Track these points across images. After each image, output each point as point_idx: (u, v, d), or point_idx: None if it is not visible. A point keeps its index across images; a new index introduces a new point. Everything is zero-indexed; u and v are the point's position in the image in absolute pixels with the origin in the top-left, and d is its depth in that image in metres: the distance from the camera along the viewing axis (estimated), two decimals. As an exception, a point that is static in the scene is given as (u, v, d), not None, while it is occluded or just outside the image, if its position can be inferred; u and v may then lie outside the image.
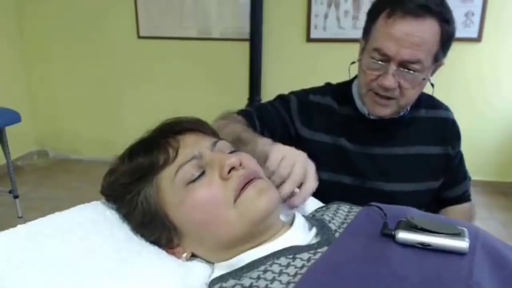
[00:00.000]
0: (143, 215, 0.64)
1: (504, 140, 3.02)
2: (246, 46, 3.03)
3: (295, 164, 0.70)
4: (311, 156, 1.04)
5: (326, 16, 2.95)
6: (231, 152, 0.68)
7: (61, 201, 2.62)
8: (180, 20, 3.15)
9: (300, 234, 0.66)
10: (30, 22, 3.37)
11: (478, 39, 2.82)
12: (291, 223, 0.69)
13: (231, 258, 0.64)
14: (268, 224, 0.64)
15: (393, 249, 0.57)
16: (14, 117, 2.37)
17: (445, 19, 0.88)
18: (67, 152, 3.62)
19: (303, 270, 0.55)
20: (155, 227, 0.64)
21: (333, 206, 0.77)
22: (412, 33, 0.86)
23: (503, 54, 2.86)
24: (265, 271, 0.57)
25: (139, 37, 3.24)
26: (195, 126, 0.71)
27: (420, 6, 0.86)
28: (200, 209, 0.61)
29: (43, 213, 0.63)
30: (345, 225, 0.67)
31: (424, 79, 0.92)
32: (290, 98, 1.07)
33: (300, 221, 0.69)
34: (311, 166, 0.73)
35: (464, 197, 1.13)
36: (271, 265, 0.58)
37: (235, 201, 0.61)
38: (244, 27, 3.04)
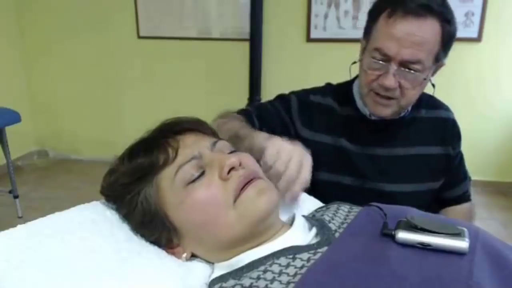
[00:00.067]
0: (143, 215, 0.64)
1: (504, 140, 3.02)
2: (246, 46, 3.03)
3: (290, 159, 0.70)
4: (311, 156, 1.04)
5: (326, 16, 2.95)
6: (231, 152, 0.68)
7: (61, 201, 2.62)
8: (180, 20, 3.15)
9: (300, 234, 0.66)
10: (30, 22, 3.37)
11: (478, 39, 2.82)
12: (291, 223, 0.69)
13: (231, 258, 0.64)
14: (268, 224, 0.64)
15: (393, 249, 0.57)
16: (14, 117, 2.37)
17: (446, 19, 0.88)
18: (67, 152, 3.62)
19: (303, 270, 0.55)
20: (155, 227, 0.64)
21: (333, 206, 0.77)
22: (413, 32, 0.86)
23: (503, 54, 2.86)
24: (265, 271, 0.57)
25: (139, 37, 3.24)
26: (195, 126, 0.71)
27: (421, 6, 0.86)
28: (200, 209, 0.61)
29: (43, 213, 0.63)
30: (345, 225, 0.67)
31: (425, 79, 0.91)
32: (291, 98, 1.07)
33: (300, 221, 0.69)
34: (306, 159, 0.73)
35: (464, 197, 1.13)
36: (271, 265, 0.58)
37: (234, 201, 0.61)
38: (244, 27, 3.04)
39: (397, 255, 0.56)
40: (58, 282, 0.53)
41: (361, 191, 1.01)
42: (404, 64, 0.88)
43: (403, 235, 0.58)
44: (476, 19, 2.78)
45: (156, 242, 0.66)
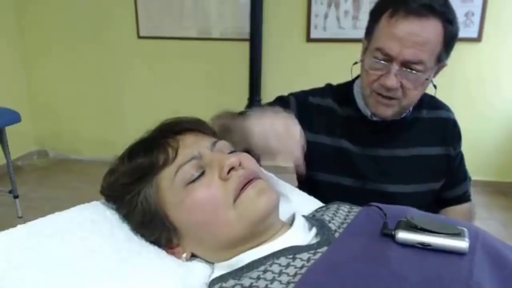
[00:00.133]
0: (143, 215, 0.64)
1: (504, 140, 3.02)
2: (246, 46, 3.03)
3: (279, 133, 0.70)
4: (311, 158, 1.04)
5: (326, 16, 2.95)
6: (231, 152, 0.68)
7: (61, 201, 2.62)
8: (180, 20, 3.15)
9: (300, 234, 0.66)
10: (30, 22, 3.37)
11: (478, 39, 2.82)
12: (291, 223, 0.69)
13: (231, 258, 0.64)
14: (268, 224, 0.64)
15: (393, 249, 0.57)
16: (14, 117, 2.37)
17: (448, 20, 0.88)
18: (67, 152, 3.62)
19: (303, 270, 0.55)
20: (155, 227, 0.64)
21: (333, 206, 0.77)
22: (415, 32, 0.86)
23: (503, 54, 2.86)
24: (265, 271, 0.57)
25: (139, 37, 3.24)
26: (195, 126, 0.71)
27: (424, 6, 0.86)
28: (200, 209, 0.61)
29: (43, 213, 0.63)
30: (345, 225, 0.67)
31: (426, 79, 0.91)
32: (289, 100, 1.06)
33: (300, 221, 0.69)
34: (291, 124, 0.73)
35: (464, 198, 1.13)
36: (271, 265, 0.58)
37: (234, 201, 0.61)
38: (244, 27, 3.04)
39: (397, 255, 0.56)
40: (58, 282, 0.53)
41: (361, 192, 1.01)
42: (406, 64, 0.88)
43: (403, 235, 0.58)
44: (476, 19, 2.78)
45: (156, 242, 0.66)
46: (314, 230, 0.67)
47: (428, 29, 0.86)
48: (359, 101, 1.03)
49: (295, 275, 0.55)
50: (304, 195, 0.92)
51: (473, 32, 2.80)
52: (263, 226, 0.63)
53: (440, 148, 1.04)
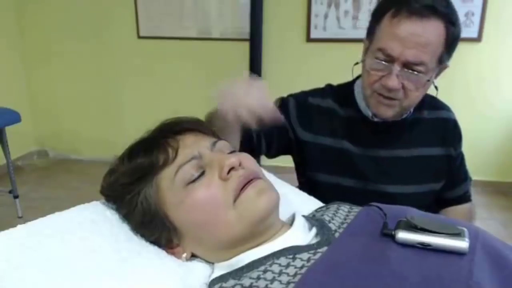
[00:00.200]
0: (143, 215, 0.64)
1: (504, 140, 3.02)
2: (246, 46, 3.03)
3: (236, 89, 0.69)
4: (311, 159, 1.04)
5: (326, 16, 2.95)
6: (231, 152, 0.68)
7: (61, 201, 2.62)
8: (180, 20, 3.15)
9: (300, 234, 0.66)
10: (30, 22, 3.37)
11: (478, 39, 2.82)
12: (291, 223, 0.69)
13: (231, 258, 0.64)
14: (268, 224, 0.64)
15: (393, 249, 0.57)
16: (14, 117, 2.37)
17: (451, 21, 0.87)
18: (67, 152, 3.62)
19: (303, 270, 0.55)
20: (155, 227, 0.64)
21: (333, 206, 0.77)
22: (417, 33, 0.85)
23: (503, 54, 2.86)
24: (265, 271, 0.57)
25: (139, 37, 3.24)
26: (195, 126, 0.71)
27: (426, 7, 0.85)
28: (200, 209, 0.61)
29: (43, 213, 0.63)
30: (345, 225, 0.67)
31: (428, 80, 0.91)
32: (289, 102, 1.06)
33: (300, 221, 0.69)
34: (255, 86, 0.70)
35: (465, 198, 1.13)
36: (271, 265, 0.58)
37: (234, 201, 0.61)
38: (244, 27, 3.04)
39: (397, 255, 0.56)
40: (58, 282, 0.53)
41: (362, 192, 1.00)
42: (407, 65, 0.88)
43: (403, 235, 0.58)
44: (476, 19, 2.78)
45: (156, 242, 0.66)
46: (314, 230, 0.67)
47: (430, 30, 0.86)
48: (360, 102, 1.02)
49: (295, 275, 0.55)
50: (304, 195, 0.92)
51: (473, 32, 2.80)
52: (263, 226, 0.63)
53: (440, 149, 1.04)
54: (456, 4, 0.90)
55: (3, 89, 3.20)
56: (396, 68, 0.88)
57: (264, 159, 1.11)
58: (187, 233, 0.65)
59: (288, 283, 0.54)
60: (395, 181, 1.02)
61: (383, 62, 0.89)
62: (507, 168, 3.06)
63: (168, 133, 0.68)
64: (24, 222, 0.60)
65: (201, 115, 0.75)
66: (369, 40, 0.95)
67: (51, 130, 3.61)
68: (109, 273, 0.57)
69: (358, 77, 1.06)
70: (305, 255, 0.59)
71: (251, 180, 0.63)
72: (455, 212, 1.11)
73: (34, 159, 3.60)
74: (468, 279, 0.52)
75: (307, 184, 1.06)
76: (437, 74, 0.95)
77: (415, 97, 0.93)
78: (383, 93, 0.92)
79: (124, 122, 3.41)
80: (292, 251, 0.60)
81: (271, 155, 1.06)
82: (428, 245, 0.57)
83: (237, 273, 0.60)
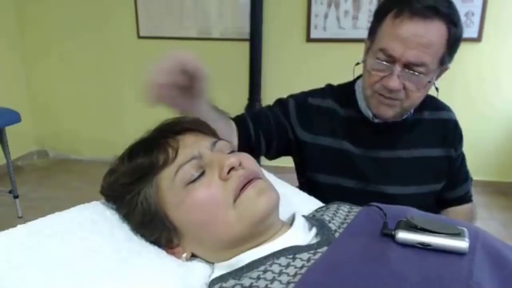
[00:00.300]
0: (143, 215, 0.64)
1: (504, 140, 3.02)
2: (246, 46, 3.03)
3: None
4: (312, 159, 1.04)
5: (326, 16, 2.95)
6: (231, 152, 0.68)
7: (61, 201, 2.62)
8: (180, 20, 3.16)
9: (300, 234, 0.66)
10: (30, 22, 3.37)
11: (478, 39, 2.82)
12: (291, 223, 0.69)
13: (231, 258, 0.64)
14: (268, 224, 0.64)
15: (393, 249, 0.57)
16: (14, 117, 2.37)
17: (453, 22, 0.87)
18: (67, 152, 3.62)
19: (303, 270, 0.55)
20: (155, 227, 0.64)
21: (333, 206, 0.77)
22: (419, 34, 0.85)
23: (503, 54, 2.86)
24: (265, 271, 0.57)
25: (139, 37, 3.24)
26: (195, 126, 0.71)
27: (429, 7, 0.85)
28: (200, 209, 0.61)
29: (43, 213, 0.63)
30: (345, 225, 0.67)
31: (429, 81, 0.90)
32: (288, 102, 1.05)
33: (300, 221, 0.69)
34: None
35: (466, 198, 1.13)
36: (271, 265, 0.58)
37: (234, 201, 0.61)
38: (244, 27, 3.04)
39: (397, 255, 0.56)
40: (58, 282, 0.53)
41: (363, 193, 1.00)
42: (409, 66, 0.88)
43: (403, 235, 0.58)
44: (476, 19, 2.78)
45: (156, 242, 0.66)
46: (314, 230, 0.67)
47: (432, 31, 0.86)
48: (360, 102, 1.02)
49: (295, 275, 0.55)
50: (304, 195, 0.92)
51: (473, 32, 2.81)
52: (263, 226, 0.63)
53: (441, 150, 1.04)
54: (456, 4, 0.90)
55: (3, 89, 3.20)
56: (397, 68, 0.88)
57: (264, 159, 1.11)
58: (187, 233, 0.65)
59: (288, 283, 0.54)
60: (396, 182, 1.02)
61: (384, 63, 0.89)
62: (507, 168, 3.06)
63: (168, 133, 0.68)
64: (24, 222, 0.60)
65: (201, 115, 0.75)
66: (370, 40, 0.95)
67: (51, 130, 3.61)
68: (109, 273, 0.57)
69: (358, 77, 1.05)
70: (305, 255, 0.59)
71: (251, 180, 0.63)
72: (456, 212, 1.11)
73: (34, 159, 3.60)
74: (468, 279, 0.52)
75: (307, 185, 1.06)
76: (438, 76, 0.95)
77: (416, 97, 0.93)
78: (384, 93, 0.92)
79: (124, 122, 3.41)
80: (292, 251, 0.60)
81: (271, 155, 1.05)
82: (428, 245, 0.57)
83: (237, 273, 0.60)
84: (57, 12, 3.30)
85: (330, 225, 0.68)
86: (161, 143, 0.65)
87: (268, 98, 3.01)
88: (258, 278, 0.56)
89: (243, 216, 0.61)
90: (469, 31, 2.79)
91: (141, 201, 0.64)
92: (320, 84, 1.12)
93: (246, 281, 0.57)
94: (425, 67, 0.87)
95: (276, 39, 3.06)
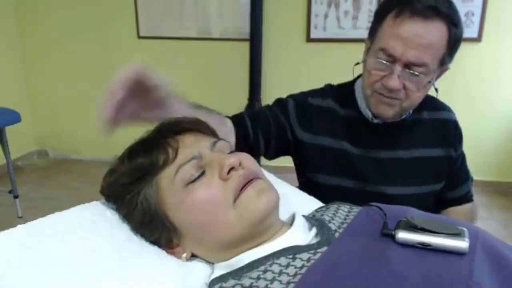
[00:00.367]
0: (143, 215, 0.64)
1: (504, 140, 3.02)
2: (246, 46, 3.03)
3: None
4: (311, 160, 1.04)
5: (326, 16, 2.95)
6: (231, 152, 0.68)
7: (61, 201, 2.62)
8: (180, 20, 3.16)
9: (300, 234, 0.66)
10: (30, 22, 3.37)
11: (478, 39, 2.82)
12: (291, 223, 0.69)
13: (231, 258, 0.64)
14: (268, 224, 0.64)
15: (393, 249, 0.57)
16: (14, 117, 2.37)
17: (453, 22, 0.87)
18: (67, 152, 3.62)
19: (303, 270, 0.55)
20: (155, 227, 0.64)
21: (333, 206, 0.77)
22: (420, 34, 0.85)
23: (503, 54, 2.86)
24: (265, 271, 0.57)
25: (139, 37, 3.24)
26: (195, 126, 0.71)
27: (429, 8, 0.85)
28: (200, 209, 0.61)
29: (43, 213, 0.63)
30: (345, 225, 0.67)
31: (429, 82, 0.91)
32: (288, 102, 1.05)
33: (300, 221, 0.69)
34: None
35: (466, 198, 1.13)
36: (271, 265, 0.58)
37: (234, 201, 0.61)
38: (244, 27, 3.04)
39: (397, 255, 0.56)
40: (58, 282, 0.53)
41: (362, 194, 1.00)
42: (409, 66, 0.88)
43: (403, 235, 0.58)
44: (476, 19, 2.78)
45: (156, 242, 0.66)
46: (314, 230, 0.67)
47: (433, 32, 0.86)
48: (360, 102, 1.02)
49: (295, 275, 0.55)
50: (304, 195, 0.92)
51: (473, 32, 2.81)
52: (263, 226, 0.63)
53: (441, 150, 1.04)
54: (456, 4, 0.90)
55: (3, 89, 3.20)
56: (398, 68, 0.88)
57: (264, 159, 1.11)
58: (187, 233, 0.65)
59: (288, 283, 0.54)
60: (395, 182, 1.02)
61: (384, 62, 0.89)
62: (507, 168, 3.06)
63: (168, 133, 0.68)
64: (24, 222, 0.60)
65: (201, 115, 0.75)
66: (370, 40, 0.95)
67: (51, 130, 3.61)
68: (109, 273, 0.57)
69: (358, 77, 1.05)
70: (305, 255, 0.59)
71: (251, 180, 0.63)
72: (456, 212, 1.11)
73: (34, 159, 3.60)
74: (468, 279, 0.52)
75: (307, 185, 1.06)
76: (438, 76, 0.95)
77: (416, 97, 0.93)
78: (384, 93, 0.92)
79: (124, 122, 3.41)
80: (292, 251, 0.60)
81: (269, 155, 1.05)
82: (428, 245, 0.57)
83: (237, 273, 0.60)
84: (57, 12, 3.30)
85: (330, 225, 0.68)
86: (161, 143, 0.65)
87: (268, 98, 3.01)
88: (258, 278, 0.56)
89: (243, 216, 0.61)
90: (469, 31, 2.79)
91: (141, 201, 0.64)
92: (320, 84, 1.12)
93: (246, 281, 0.57)
94: (426, 67, 0.87)
95: (276, 39, 3.07)
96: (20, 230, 0.59)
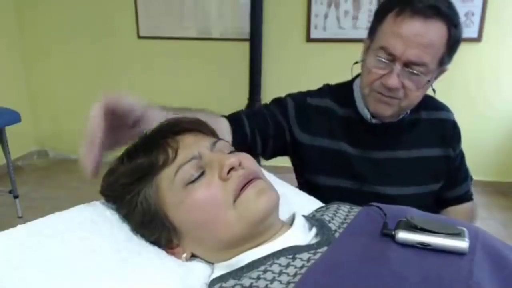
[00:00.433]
0: (143, 216, 0.64)
1: (504, 140, 3.02)
2: (246, 46, 3.03)
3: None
4: (310, 160, 1.04)
5: (326, 16, 2.95)
6: (231, 152, 0.68)
7: (61, 201, 2.62)
8: (180, 20, 3.16)
9: (300, 234, 0.66)
10: (30, 22, 3.37)
11: (478, 39, 2.82)
12: (291, 223, 0.69)
13: (231, 258, 0.64)
14: (268, 224, 0.64)
15: (393, 249, 0.57)
16: (14, 117, 2.37)
17: (453, 23, 0.88)
18: (67, 152, 3.62)
19: (303, 270, 0.55)
20: (155, 227, 0.64)
21: (333, 206, 0.77)
22: (420, 34, 0.85)
23: (503, 54, 2.86)
24: (265, 271, 0.57)
25: (139, 37, 3.24)
26: (194, 126, 0.71)
27: (430, 7, 0.85)
28: (200, 209, 0.61)
29: (43, 213, 0.63)
30: (345, 225, 0.67)
31: (428, 81, 0.91)
32: (287, 102, 1.05)
33: (300, 221, 0.69)
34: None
35: (466, 197, 1.13)
36: (271, 265, 0.58)
37: (234, 201, 0.61)
38: (244, 27, 3.05)
39: (397, 255, 0.56)
40: (58, 282, 0.53)
41: (361, 194, 1.00)
42: (408, 65, 0.88)
43: (403, 235, 0.58)
44: (476, 19, 2.78)
45: (156, 242, 0.66)
46: (314, 230, 0.67)
47: (433, 31, 0.86)
48: (358, 102, 1.02)
49: (295, 275, 0.55)
50: (304, 195, 0.92)
51: (473, 32, 2.81)
52: (263, 226, 0.63)
53: (439, 149, 1.04)
54: (456, 4, 0.90)
55: (3, 89, 3.20)
56: (397, 67, 0.88)
57: (264, 159, 1.11)
58: (187, 233, 0.65)
59: (288, 283, 0.54)
60: (394, 182, 1.01)
61: (384, 60, 0.89)
62: (507, 168, 3.06)
63: (167, 133, 0.68)
64: (24, 222, 0.60)
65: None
66: (370, 39, 0.95)
67: (51, 130, 3.61)
68: (109, 273, 0.57)
69: (357, 76, 1.05)
70: (305, 255, 0.59)
71: (251, 180, 0.63)
72: (456, 211, 1.11)
73: (34, 159, 3.60)
74: (468, 279, 0.52)
75: (306, 185, 1.06)
76: (436, 77, 0.95)
77: (415, 97, 0.93)
78: (383, 92, 0.92)
79: (124, 122, 3.41)
80: (292, 251, 0.60)
81: (267, 155, 1.05)
82: (428, 245, 0.57)
83: (237, 273, 0.60)
84: (57, 12, 3.30)
85: (330, 225, 0.68)
86: (160, 143, 0.65)
87: (268, 98, 3.00)
88: (258, 278, 0.56)
89: (243, 216, 0.61)
90: (469, 31, 2.79)
91: (141, 201, 0.64)
92: (320, 84, 1.11)
93: (246, 281, 0.57)
94: (425, 66, 0.88)
95: (276, 39, 3.07)
96: (20, 230, 0.59)
